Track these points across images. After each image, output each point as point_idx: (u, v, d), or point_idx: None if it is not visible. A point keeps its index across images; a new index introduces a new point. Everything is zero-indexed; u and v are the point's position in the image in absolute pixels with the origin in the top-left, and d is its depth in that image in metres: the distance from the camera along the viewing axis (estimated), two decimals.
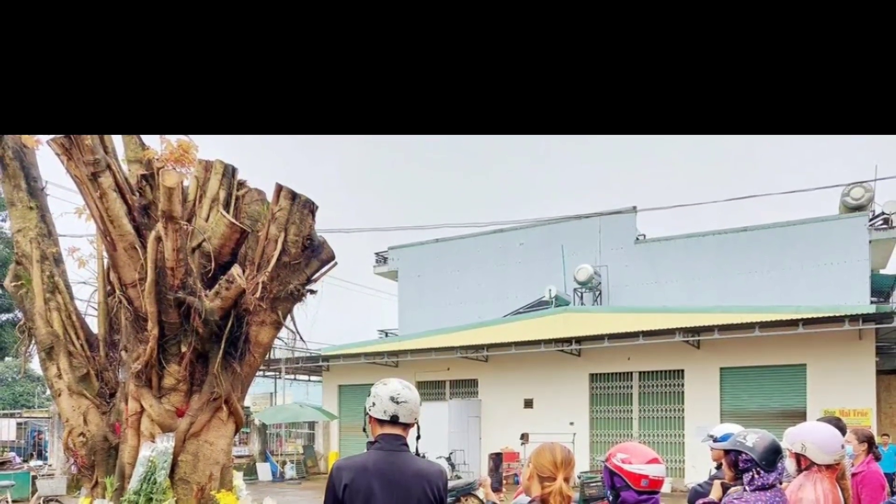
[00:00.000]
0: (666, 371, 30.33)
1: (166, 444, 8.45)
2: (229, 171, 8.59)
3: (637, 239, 41.40)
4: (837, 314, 24.94)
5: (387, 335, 48.96)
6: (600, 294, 40.91)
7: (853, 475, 8.31)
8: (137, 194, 8.27)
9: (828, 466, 6.15)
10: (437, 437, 28.95)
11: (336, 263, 9.03)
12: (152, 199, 8.22)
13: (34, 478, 23.77)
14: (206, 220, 8.40)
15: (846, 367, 26.15)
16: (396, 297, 50.02)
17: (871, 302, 33.86)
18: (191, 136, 8.72)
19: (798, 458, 6.28)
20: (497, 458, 20.90)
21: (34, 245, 9.41)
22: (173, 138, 8.68)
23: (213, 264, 8.25)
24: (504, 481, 25.23)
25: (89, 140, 7.69)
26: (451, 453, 27.35)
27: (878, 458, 8.79)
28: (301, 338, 9.35)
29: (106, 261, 8.97)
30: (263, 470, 35.16)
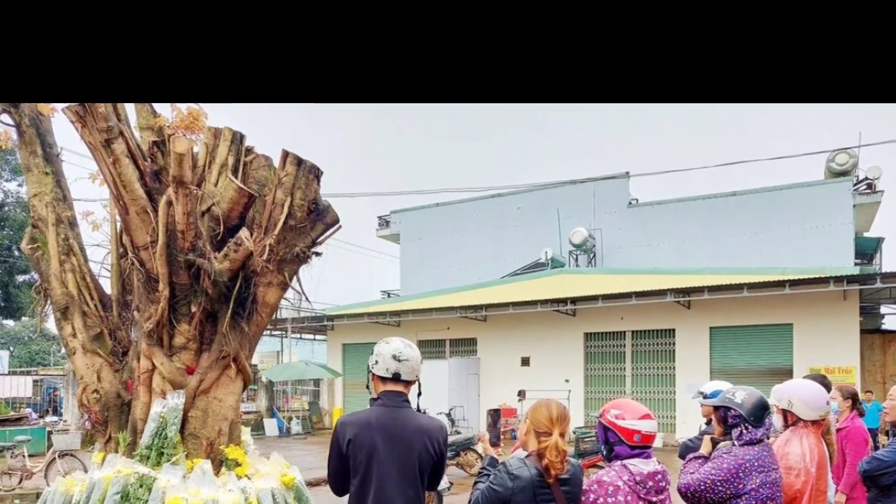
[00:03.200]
0: (658, 330, 30.39)
1: (177, 400, 8.46)
2: (237, 138, 8.56)
3: (630, 203, 41.48)
4: (823, 275, 24.99)
5: (389, 296, 49.08)
6: (594, 256, 41.02)
7: (838, 430, 8.35)
8: (149, 160, 8.25)
9: (813, 422, 6.18)
10: (438, 393, 29.04)
11: (340, 227, 9.02)
12: (163, 165, 8.20)
13: (50, 433, 23.80)
14: (215, 185, 8.38)
15: (831, 326, 26.21)
16: (398, 259, 50.15)
17: (855, 264, 34.07)
18: (200, 104, 8.71)
19: (785, 414, 6.31)
20: (495, 414, 20.85)
21: (50, 209, 9.40)
22: (183, 106, 8.67)
23: (221, 227, 8.25)
24: (502, 436, 25.18)
25: (103, 108, 7.68)
26: (450, 409, 27.42)
27: (861, 414, 8.85)
28: (307, 298, 9.37)
29: (119, 224, 8.97)
30: (270, 425, 35.27)
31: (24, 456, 18.34)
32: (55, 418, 33.33)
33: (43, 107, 9.27)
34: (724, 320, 28.60)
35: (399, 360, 4.95)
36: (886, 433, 19.09)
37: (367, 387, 5.21)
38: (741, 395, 5.72)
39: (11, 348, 72.09)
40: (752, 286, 25.93)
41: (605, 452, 5.15)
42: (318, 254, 8.94)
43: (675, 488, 5.39)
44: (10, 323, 63.70)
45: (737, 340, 28.59)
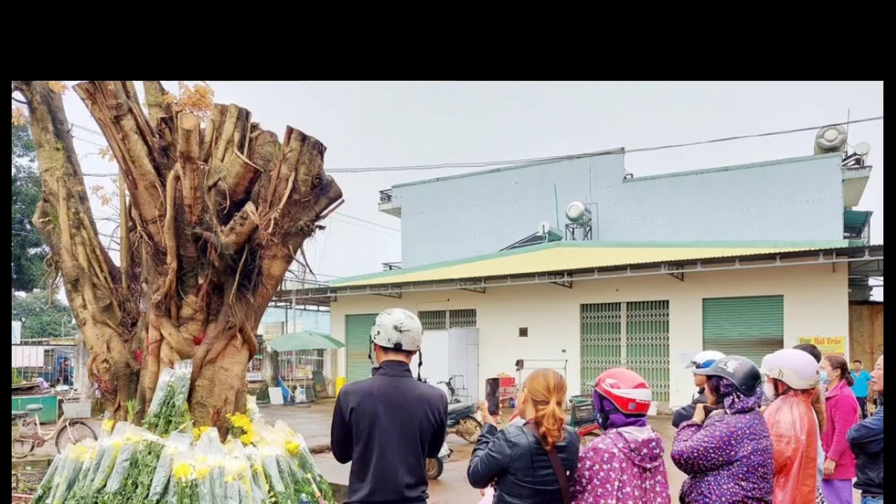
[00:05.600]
0: (652, 302, 30.42)
1: (184, 370, 8.49)
2: (243, 115, 8.57)
3: (625, 178, 41.55)
4: (812, 248, 25.00)
5: (391, 268, 49.18)
6: (590, 229, 41.07)
7: (827, 399, 8.38)
8: (157, 136, 8.26)
9: (803, 391, 6.19)
10: (438, 363, 29.10)
11: (343, 201, 9.03)
12: (171, 141, 8.21)
13: (60, 401, 23.88)
14: (222, 160, 8.39)
15: (820, 297, 26.25)
16: (400, 233, 50.17)
17: (844, 237, 34.15)
18: (207, 81, 8.71)
19: (775, 383, 6.32)
20: (494, 384, 20.96)
21: (61, 184, 9.43)
22: (191, 84, 8.67)
23: (228, 202, 8.26)
24: (500, 405, 25.32)
25: (112, 85, 7.69)
26: (450, 379, 27.44)
27: (850, 384, 8.86)
28: (310, 270, 9.38)
29: (128, 198, 8.99)
30: (275, 394, 35.36)
31: (35, 424, 18.39)
32: (66, 387, 33.43)
33: (54, 84, 9.29)
34: (716, 292, 28.63)
35: (400, 331, 4.95)
36: (874, 402, 19.14)
37: (370, 357, 5.21)
38: (733, 365, 5.74)
39: (23, 319, 72.21)
40: (744, 259, 25.95)
41: (600, 420, 5.17)
42: (321, 227, 8.96)
43: (669, 455, 5.41)
44: (21, 294, 63.70)
45: (729, 311, 28.64)
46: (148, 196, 8.15)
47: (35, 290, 51.20)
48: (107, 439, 8.45)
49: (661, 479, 4.98)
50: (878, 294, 35.51)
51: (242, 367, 9.04)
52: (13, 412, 18.18)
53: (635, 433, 4.87)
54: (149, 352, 8.72)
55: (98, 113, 7.80)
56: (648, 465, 4.86)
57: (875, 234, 38.12)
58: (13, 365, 33.79)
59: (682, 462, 5.60)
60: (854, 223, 37.96)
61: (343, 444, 4.99)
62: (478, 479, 4.85)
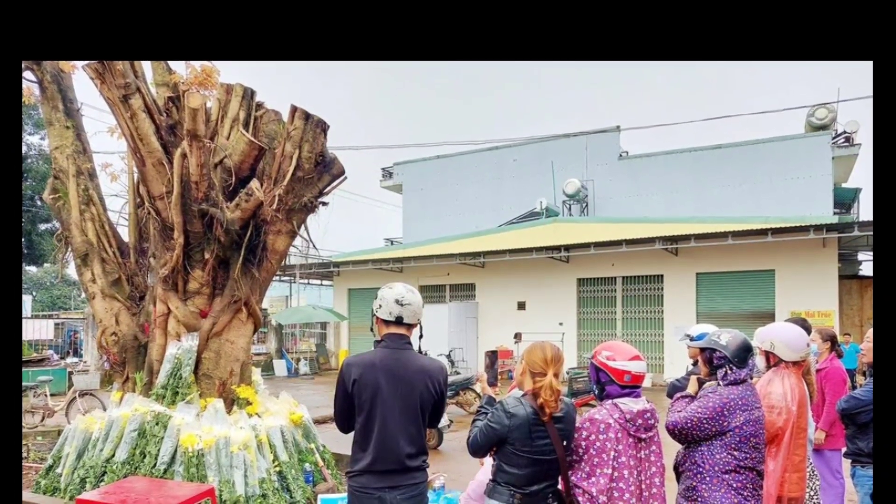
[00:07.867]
0: (647, 276, 30.40)
1: (191, 342, 8.52)
2: (248, 94, 8.58)
3: (621, 155, 41.52)
4: (803, 224, 24.98)
5: (392, 243, 49.14)
6: (587, 206, 41.05)
7: (817, 371, 8.38)
8: (165, 115, 8.27)
9: (794, 363, 6.19)
10: (438, 336, 29.10)
11: (346, 178, 9.04)
12: (178, 119, 8.22)
13: (70, 374, 23.93)
14: (228, 138, 8.40)
15: (811, 272, 26.24)
16: (401, 209, 50.13)
17: (834, 213, 34.14)
18: (213, 61, 8.71)
19: (767, 355, 6.32)
20: (493, 356, 20.96)
21: (70, 161, 9.45)
22: (197, 64, 8.67)
23: (233, 179, 8.27)
24: (499, 377, 25.36)
25: (121, 65, 7.69)
26: (450, 351, 27.42)
27: (840, 356, 8.87)
28: (314, 245, 9.40)
29: (136, 175, 9.01)
30: (279, 366, 35.37)
31: (46, 395, 18.41)
32: (76, 360, 33.43)
33: (64, 64, 9.30)
34: (709, 266, 28.62)
35: (401, 305, 4.95)
36: (863, 373, 19.17)
37: (372, 330, 5.21)
38: (726, 338, 5.73)
39: (34, 293, 72.18)
40: (737, 234, 25.92)
41: (596, 392, 5.17)
42: (324, 203, 8.98)
43: (664, 426, 5.42)
44: (32, 269, 63.69)
45: (722, 285, 28.63)
46: (155, 173, 8.16)
47: (45, 264, 51.23)
48: (115, 410, 8.49)
49: (656, 448, 4.99)
50: (867, 269, 35.51)
51: (247, 339, 9.07)
52: (24, 384, 18.21)
53: (631, 404, 4.87)
54: (156, 325, 8.75)
55: (107, 92, 7.81)
56: (643, 436, 4.87)
57: (864, 209, 38.19)
58: (24, 338, 33.83)
59: (676, 432, 5.60)
60: (844, 199, 37.94)
61: (346, 414, 4.99)
62: (477, 448, 4.86)
